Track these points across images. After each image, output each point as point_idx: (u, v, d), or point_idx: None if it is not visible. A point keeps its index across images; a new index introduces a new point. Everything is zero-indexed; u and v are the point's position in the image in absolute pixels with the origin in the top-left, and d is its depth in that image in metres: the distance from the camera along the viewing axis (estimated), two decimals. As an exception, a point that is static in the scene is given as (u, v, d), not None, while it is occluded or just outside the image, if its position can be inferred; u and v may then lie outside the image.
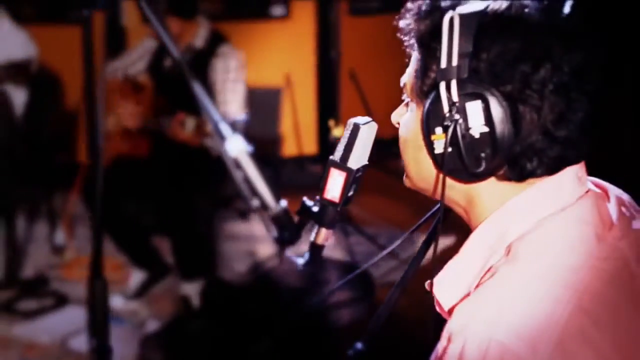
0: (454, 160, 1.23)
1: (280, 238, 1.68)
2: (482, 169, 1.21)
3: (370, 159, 1.51)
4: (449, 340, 1.19)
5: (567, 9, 1.25)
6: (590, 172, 1.35)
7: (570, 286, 1.15)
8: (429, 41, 1.26)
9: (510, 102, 1.19)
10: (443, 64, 1.22)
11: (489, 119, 1.19)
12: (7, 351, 3.95)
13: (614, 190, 1.36)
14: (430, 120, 1.24)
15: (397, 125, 1.40)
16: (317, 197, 1.53)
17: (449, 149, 1.23)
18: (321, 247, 1.58)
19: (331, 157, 1.48)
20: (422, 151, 1.29)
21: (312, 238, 1.58)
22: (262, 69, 6.32)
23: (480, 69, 1.20)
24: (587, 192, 1.29)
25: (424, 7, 1.30)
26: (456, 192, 1.30)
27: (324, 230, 1.56)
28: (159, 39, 4.42)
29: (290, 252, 1.68)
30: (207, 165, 4.18)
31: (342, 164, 1.48)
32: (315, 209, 1.54)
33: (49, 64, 5.55)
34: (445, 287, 1.30)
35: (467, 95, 1.20)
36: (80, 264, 4.89)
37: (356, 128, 1.46)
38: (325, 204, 1.52)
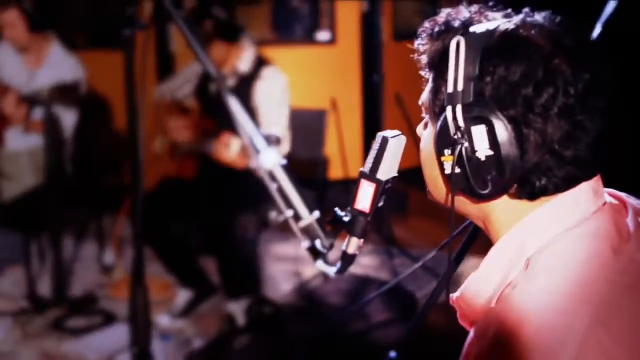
0: (462, 180, 1.27)
1: (312, 247, 1.75)
2: (488, 190, 1.25)
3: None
4: (471, 346, 1.24)
5: (574, 29, 1.29)
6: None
7: (587, 300, 1.17)
8: (439, 63, 1.31)
9: (515, 125, 1.22)
10: (450, 88, 1.26)
11: (493, 143, 1.22)
12: (57, 367, 4.04)
13: (631, 201, 1.38)
14: (440, 142, 1.29)
15: None
16: (348, 208, 1.59)
17: (458, 170, 1.26)
18: (353, 256, 1.63)
19: (361, 168, 1.54)
20: (436, 168, 1.34)
21: (343, 247, 1.63)
22: (308, 93, 6.39)
23: (485, 93, 1.24)
24: (603, 204, 1.32)
25: (436, 29, 1.35)
26: (472, 207, 1.35)
27: (355, 240, 1.61)
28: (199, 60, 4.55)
29: (322, 261, 1.74)
30: (252, 186, 4.23)
31: (371, 176, 1.53)
32: (347, 219, 1.60)
33: (98, 88, 5.66)
34: (467, 300, 1.34)
35: (472, 119, 1.23)
36: (128, 284, 4.97)
37: (384, 141, 1.52)
38: (356, 214, 1.58)
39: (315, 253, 1.75)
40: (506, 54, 1.24)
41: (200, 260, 4.83)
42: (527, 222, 1.29)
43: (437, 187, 1.38)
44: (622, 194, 1.39)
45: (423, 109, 1.40)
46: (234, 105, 1.76)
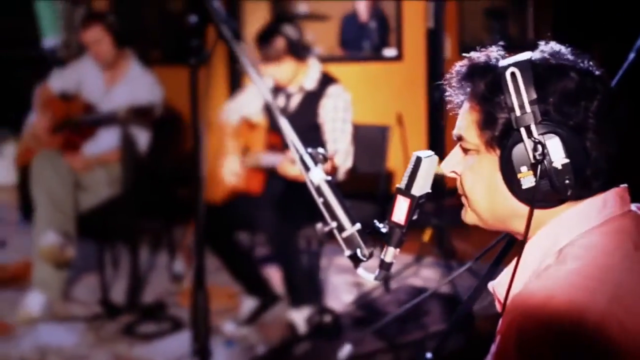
0: (540, 192, 1.45)
1: (354, 256, 1.90)
2: (569, 193, 1.43)
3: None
4: (503, 320, 1.40)
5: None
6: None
7: (609, 281, 1.34)
8: (490, 94, 1.49)
9: (578, 132, 1.42)
10: (517, 112, 1.44)
11: (567, 151, 1.41)
12: (126, 370, 4.23)
13: None
14: (515, 161, 1.46)
15: (452, 174, 1.61)
16: (386, 220, 1.74)
17: (533, 183, 1.44)
18: (390, 264, 1.78)
19: (397, 185, 1.69)
20: (496, 191, 1.52)
21: (382, 256, 1.78)
22: (375, 108, 6.53)
23: (549, 110, 1.43)
24: (629, 211, 1.50)
25: (476, 67, 1.53)
26: (523, 220, 1.49)
27: (391, 249, 1.76)
28: (273, 80, 4.72)
29: (362, 269, 1.89)
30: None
31: (406, 192, 1.69)
32: (384, 230, 1.75)
33: (172, 103, 5.82)
34: (504, 287, 1.52)
35: (544, 134, 1.42)
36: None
37: (418, 160, 1.68)
38: (392, 226, 1.73)
39: (356, 261, 1.91)
40: (557, 75, 1.45)
41: (265, 271, 5.00)
42: (562, 219, 1.48)
43: (494, 210, 1.55)
44: None
45: (463, 141, 1.58)
46: (285, 125, 1.92)
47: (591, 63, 1.50)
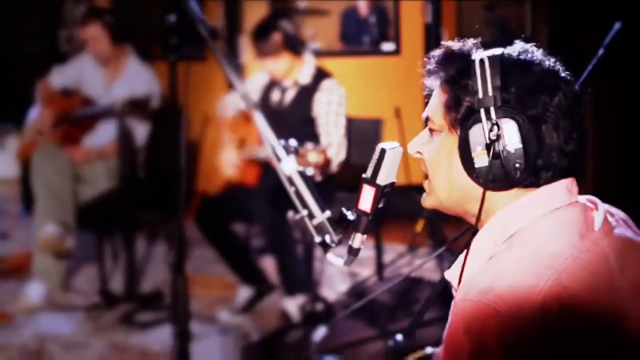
0: (491, 172, 1.53)
1: (323, 242, 2.00)
2: (518, 177, 1.51)
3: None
4: (453, 308, 1.50)
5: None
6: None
7: (552, 267, 1.42)
8: (459, 79, 1.59)
9: (535, 123, 1.51)
10: (480, 95, 1.53)
11: (521, 137, 1.50)
12: (124, 357, 4.30)
13: (605, 206, 1.64)
14: (471, 140, 1.55)
15: (417, 155, 1.70)
16: (353, 209, 1.84)
17: (486, 163, 1.53)
18: (357, 250, 1.88)
19: (363, 175, 1.79)
20: (455, 171, 1.60)
21: (350, 242, 1.87)
22: (373, 102, 6.60)
23: (510, 99, 1.52)
24: (576, 202, 1.58)
25: (450, 54, 1.63)
26: (477, 202, 1.58)
27: (359, 236, 1.85)
28: (270, 74, 4.81)
29: (331, 255, 1.98)
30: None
31: (372, 181, 1.78)
32: (352, 217, 1.85)
33: (186, 99, 5.88)
34: (458, 274, 1.60)
35: (502, 118, 1.51)
36: (194, 283, 5.22)
37: (383, 152, 1.78)
38: (359, 213, 1.83)
39: (325, 247, 2.00)
40: (522, 69, 1.56)
41: (260, 261, 5.10)
42: (510, 209, 1.57)
43: (452, 189, 1.63)
44: (599, 201, 1.65)
45: (430, 122, 1.66)
46: (259, 119, 2.01)
47: (558, 63, 1.59)
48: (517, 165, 1.50)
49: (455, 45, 1.65)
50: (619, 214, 1.66)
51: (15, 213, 6.51)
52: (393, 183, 1.81)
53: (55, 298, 5.07)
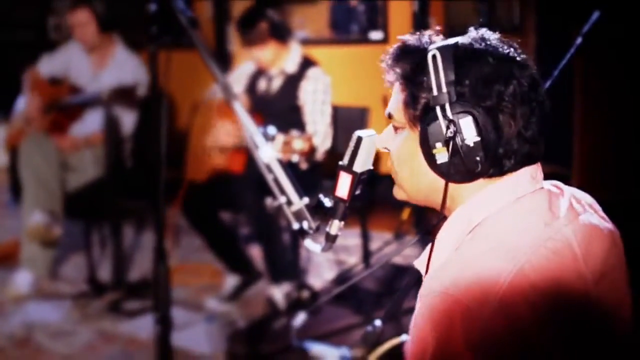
0: (453, 167, 1.55)
1: (301, 228, 2.02)
2: (479, 169, 1.53)
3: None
4: (419, 298, 1.52)
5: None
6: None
7: (514, 259, 1.44)
8: (414, 75, 1.59)
9: (492, 114, 1.52)
10: (434, 92, 1.54)
11: (479, 130, 1.51)
12: (111, 345, 4.30)
13: (571, 191, 1.66)
14: (430, 138, 1.55)
15: (384, 150, 1.72)
16: (330, 195, 1.86)
17: (446, 159, 1.54)
18: (335, 236, 1.90)
19: (340, 162, 1.81)
20: (418, 167, 1.62)
21: (327, 229, 1.89)
22: (361, 90, 6.60)
23: (465, 92, 1.53)
24: (541, 188, 1.60)
25: (404, 50, 1.64)
26: (440, 194, 1.59)
27: (336, 222, 1.87)
28: (256, 63, 4.82)
29: (309, 241, 2.00)
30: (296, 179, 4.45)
31: (348, 168, 1.80)
32: (329, 204, 1.87)
33: (167, 88, 5.88)
34: (424, 265, 1.63)
35: (458, 113, 1.52)
36: (182, 271, 5.25)
37: (359, 139, 1.80)
38: (336, 200, 1.84)
39: (303, 233, 2.02)
40: (475, 60, 1.55)
41: (248, 249, 5.11)
42: (475, 199, 1.59)
43: (418, 183, 1.65)
44: (564, 186, 1.66)
45: (393, 119, 1.68)
46: (238, 108, 2.03)
47: (514, 50, 1.59)
48: (478, 158, 1.52)
49: (410, 39, 1.66)
50: (586, 198, 1.68)
51: (3, 201, 6.52)
52: (370, 170, 1.83)
53: (43, 286, 5.10)
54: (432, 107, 1.55)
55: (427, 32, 1.66)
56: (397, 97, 1.64)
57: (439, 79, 1.53)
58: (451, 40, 1.60)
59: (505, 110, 1.52)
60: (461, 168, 1.54)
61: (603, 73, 5.14)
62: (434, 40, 1.63)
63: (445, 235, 1.60)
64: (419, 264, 1.67)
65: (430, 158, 1.57)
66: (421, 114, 1.58)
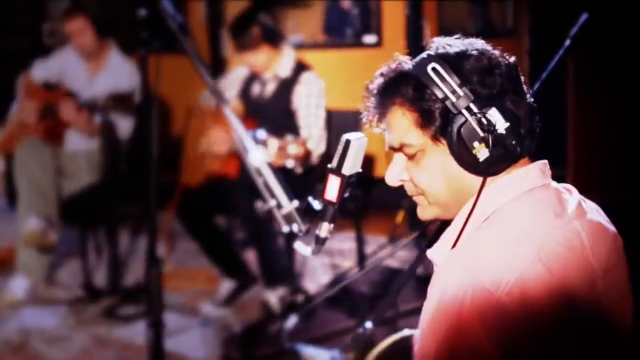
0: (495, 159, 1.58)
1: (291, 231, 2.03)
2: (519, 151, 1.58)
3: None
4: (434, 281, 1.55)
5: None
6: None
7: (529, 243, 1.48)
8: (420, 94, 1.61)
9: (504, 97, 1.58)
10: (452, 98, 1.57)
11: (504, 116, 1.56)
12: (106, 350, 4.31)
13: (579, 195, 1.69)
14: (466, 141, 1.57)
15: (400, 183, 1.73)
16: (319, 198, 1.87)
17: (488, 153, 1.57)
18: (324, 239, 1.91)
19: (329, 165, 1.82)
20: (453, 177, 1.64)
21: (317, 231, 1.90)
22: (355, 94, 6.62)
23: (476, 88, 1.57)
24: (549, 184, 1.65)
25: (390, 79, 1.69)
26: (472, 196, 1.63)
27: (326, 225, 1.89)
28: (250, 68, 4.82)
29: (299, 243, 2.02)
30: (289, 184, 4.44)
31: (337, 171, 1.82)
32: (318, 207, 1.88)
33: (157, 92, 5.90)
34: (440, 254, 1.66)
35: (483, 108, 1.56)
36: (177, 276, 5.27)
37: (348, 142, 1.82)
38: (326, 203, 1.86)
39: (293, 236, 2.04)
40: (466, 59, 1.61)
41: (244, 254, 5.12)
42: (489, 190, 1.61)
43: (457, 194, 1.65)
44: (574, 189, 1.71)
45: (406, 148, 1.68)
46: (228, 113, 2.04)
47: (475, 40, 1.66)
48: (514, 142, 1.56)
49: (388, 71, 1.70)
50: (592, 204, 1.71)
51: (0, 208, 6.52)
52: (358, 173, 1.84)
53: (38, 292, 5.10)
54: (451, 113, 1.58)
55: (396, 59, 1.71)
56: (402, 124, 1.66)
57: (449, 85, 1.57)
58: (423, 55, 1.66)
59: (510, 90, 1.59)
60: (503, 157, 1.58)
61: (596, 74, 5.16)
62: (405, 63, 1.68)
63: (459, 224, 1.63)
64: (433, 254, 1.69)
65: (469, 160, 1.59)
66: (442, 124, 1.60)
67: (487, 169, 1.58)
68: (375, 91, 1.69)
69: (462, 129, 1.57)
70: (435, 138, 1.62)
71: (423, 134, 1.63)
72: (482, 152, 1.57)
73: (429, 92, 1.59)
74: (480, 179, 1.60)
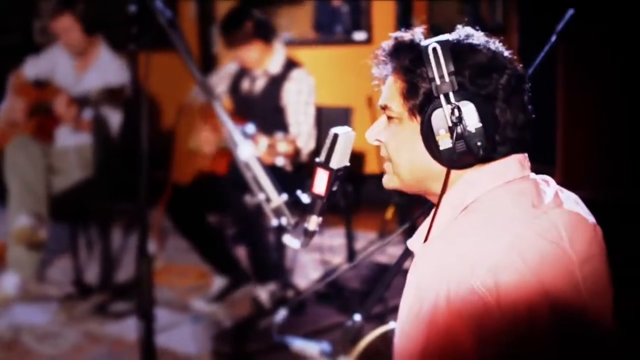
0: (455, 153, 1.61)
1: (280, 225, 2.05)
2: (480, 154, 1.59)
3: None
4: (411, 271, 1.59)
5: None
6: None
7: (506, 231, 1.52)
8: (414, 67, 1.65)
9: (490, 102, 1.60)
10: (437, 81, 1.61)
11: (480, 117, 1.58)
12: (98, 346, 4.32)
13: (556, 185, 1.71)
14: (434, 125, 1.61)
15: (376, 142, 1.76)
16: (308, 192, 1.89)
17: (450, 145, 1.60)
18: (313, 232, 1.93)
19: (317, 159, 1.84)
20: (417, 154, 1.67)
21: (305, 225, 1.92)
22: (345, 91, 6.64)
23: (465, 82, 1.60)
24: (528, 176, 1.67)
25: (400, 44, 1.71)
26: (436, 181, 1.67)
27: (314, 218, 1.91)
28: (240, 63, 4.83)
29: (288, 237, 2.03)
30: (278, 180, 4.44)
31: (325, 165, 1.84)
32: (307, 201, 1.90)
33: (147, 88, 5.90)
34: (419, 243, 1.69)
35: (461, 101, 1.59)
36: (168, 272, 5.28)
37: (335, 136, 1.83)
38: (314, 197, 1.88)
39: (282, 229, 2.05)
40: (472, 52, 1.64)
41: (236, 251, 5.13)
42: (469, 180, 1.65)
43: (414, 171, 1.70)
44: (552, 180, 1.74)
45: (388, 110, 1.73)
46: (218, 108, 2.06)
47: (500, 44, 1.68)
48: (479, 143, 1.58)
49: (405, 35, 1.72)
50: (570, 194, 1.73)
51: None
52: (346, 167, 1.86)
53: (29, 289, 5.12)
54: (433, 96, 1.62)
55: (417, 30, 1.73)
56: (392, 88, 1.70)
57: (440, 69, 1.61)
58: (443, 37, 1.68)
59: (501, 98, 1.61)
60: (463, 153, 1.60)
61: (585, 71, 5.18)
62: (424, 37, 1.70)
63: (440, 213, 1.66)
64: (413, 242, 1.73)
65: (432, 144, 1.63)
66: (422, 102, 1.64)
67: (448, 159, 1.62)
68: (383, 50, 1.73)
69: (434, 112, 1.61)
70: (412, 112, 1.67)
71: (403, 104, 1.68)
72: (444, 141, 1.61)
73: (422, 69, 1.63)
74: (445, 169, 1.64)
